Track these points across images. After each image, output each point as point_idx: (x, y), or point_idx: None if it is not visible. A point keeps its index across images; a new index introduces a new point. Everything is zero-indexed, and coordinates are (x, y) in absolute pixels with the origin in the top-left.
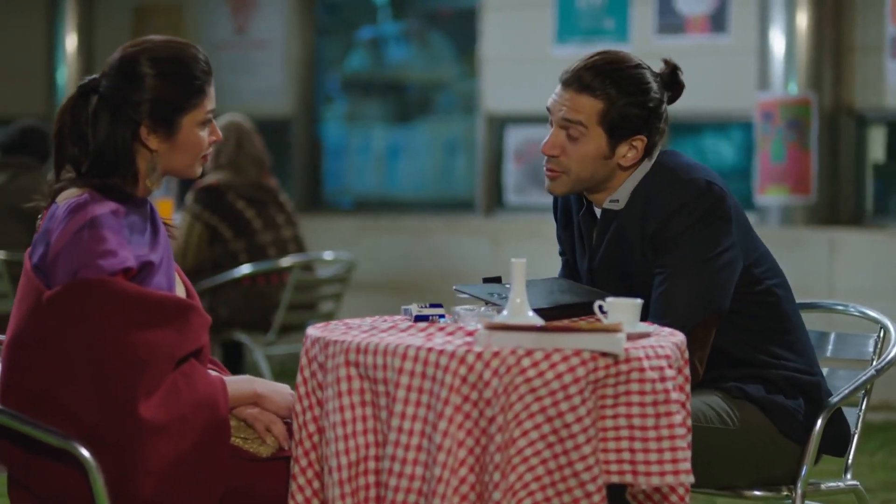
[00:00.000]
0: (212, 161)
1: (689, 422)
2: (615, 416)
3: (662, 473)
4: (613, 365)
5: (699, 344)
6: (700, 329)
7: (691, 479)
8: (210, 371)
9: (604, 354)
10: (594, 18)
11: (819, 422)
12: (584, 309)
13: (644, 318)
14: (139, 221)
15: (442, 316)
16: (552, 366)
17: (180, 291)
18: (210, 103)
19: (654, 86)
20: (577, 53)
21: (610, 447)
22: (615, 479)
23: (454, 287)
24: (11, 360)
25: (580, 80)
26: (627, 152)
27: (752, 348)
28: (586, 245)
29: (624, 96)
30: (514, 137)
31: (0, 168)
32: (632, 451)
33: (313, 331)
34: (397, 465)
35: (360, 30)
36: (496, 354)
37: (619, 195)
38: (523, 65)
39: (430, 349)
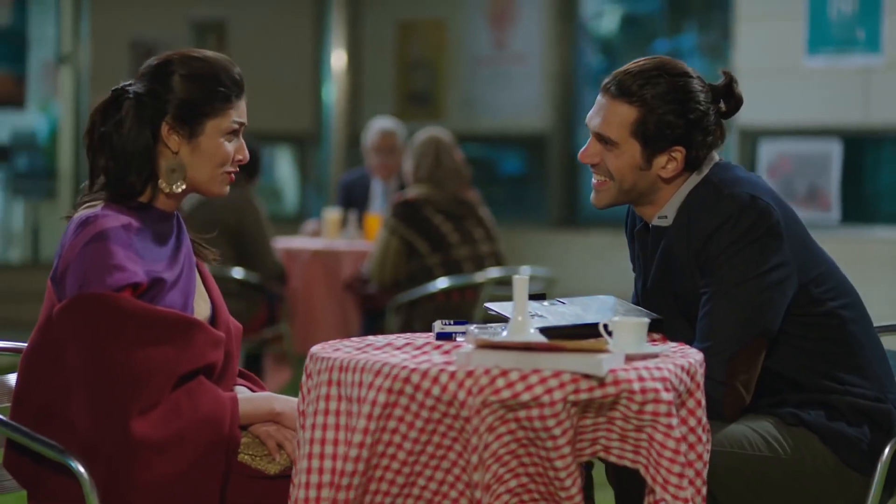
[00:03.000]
0: (411, 175)
1: (704, 447)
2: (596, 417)
3: (636, 462)
4: (599, 387)
5: (744, 367)
6: (744, 352)
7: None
8: (240, 386)
9: (587, 376)
10: (846, 29)
11: (886, 451)
12: (595, 329)
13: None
14: (158, 236)
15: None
16: (528, 387)
17: (202, 308)
18: (237, 115)
19: (701, 97)
20: (828, 65)
21: (586, 437)
22: (586, 458)
23: (485, 304)
24: (24, 371)
25: (619, 84)
26: (667, 164)
27: (814, 372)
28: (641, 263)
29: (662, 104)
30: (767, 151)
31: None
32: (608, 439)
33: (315, 348)
34: (373, 484)
35: (656, 43)
36: (470, 374)
37: (666, 211)
38: (775, 77)
39: (403, 367)
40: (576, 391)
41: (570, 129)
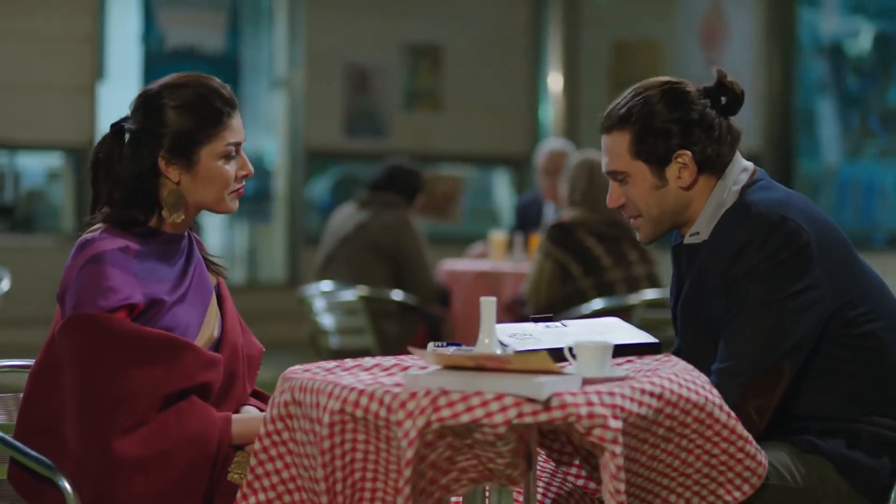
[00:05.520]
0: (566, 198)
1: (683, 475)
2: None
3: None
4: (544, 411)
5: (759, 392)
6: (762, 377)
7: None
8: (248, 406)
9: (530, 400)
10: None
11: None
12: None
13: None
14: (163, 257)
15: None
16: (468, 409)
17: (209, 329)
18: (232, 136)
19: (690, 96)
20: None
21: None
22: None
23: None
24: (28, 388)
25: (607, 118)
26: (680, 172)
27: (843, 398)
28: (675, 282)
29: (649, 116)
30: None
31: (366, 205)
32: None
33: (289, 369)
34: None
35: None
36: (413, 395)
37: (697, 227)
38: None
39: (352, 388)
40: (519, 415)
41: (784, 149)
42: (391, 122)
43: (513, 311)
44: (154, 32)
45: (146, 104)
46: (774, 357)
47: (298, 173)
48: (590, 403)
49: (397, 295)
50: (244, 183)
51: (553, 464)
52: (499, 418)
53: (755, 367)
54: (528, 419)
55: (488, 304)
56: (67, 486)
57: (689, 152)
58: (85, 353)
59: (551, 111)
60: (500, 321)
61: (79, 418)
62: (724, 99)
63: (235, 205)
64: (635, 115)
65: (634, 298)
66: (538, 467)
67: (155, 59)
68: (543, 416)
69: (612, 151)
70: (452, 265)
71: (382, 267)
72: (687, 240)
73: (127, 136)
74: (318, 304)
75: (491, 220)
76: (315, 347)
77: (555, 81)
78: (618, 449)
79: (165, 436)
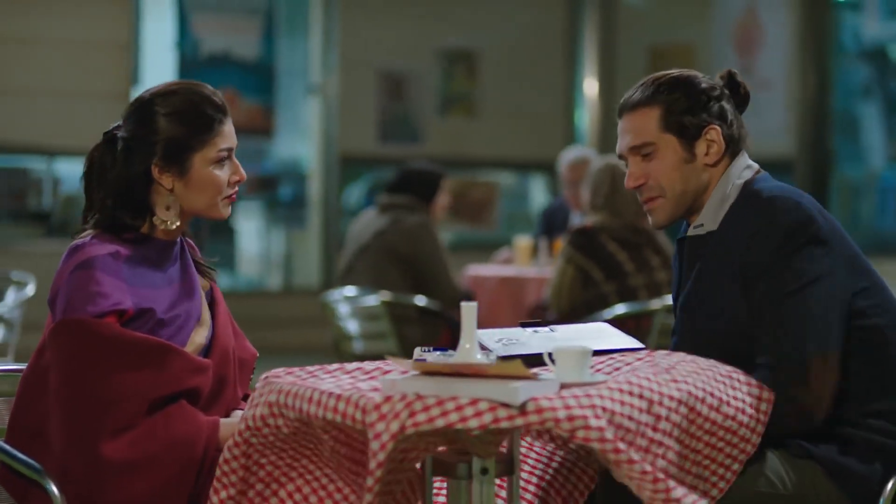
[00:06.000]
0: (588, 203)
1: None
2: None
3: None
4: (520, 416)
5: (808, 380)
6: (809, 364)
7: None
8: (238, 410)
9: (504, 405)
10: None
11: (889, 485)
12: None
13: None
14: (155, 264)
15: None
16: (444, 413)
17: (200, 334)
18: (224, 142)
19: (712, 82)
20: None
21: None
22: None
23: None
24: (19, 392)
25: (628, 100)
26: (708, 148)
27: (841, 394)
28: (677, 277)
29: (676, 93)
30: None
31: (384, 210)
32: None
33: (272, 372)
34: None
35: None
36: (388, 399)
37: (702, 218)
38: None
39: (330, 394)
40: (495, 420)
41: (819, 154)
42: (426, 128)
43: (535, 317)
44: (189, 38)
45: (138, 112)
46: (817, 343)
47: (333, 179)
48: (567, 407)
49: (420, 300)
50: (237, 188)
51: (545, 454)
52: (473, 423)
53: (803, 359)
54: (504, 424)
55: (469, 310)
56: (54, 488)
57: (718, 128)
58: (73, 357)
59: (587, 116)
60: None
61: (66, 422)
62: (734, 98)
63: (228, 211)
64: (666, 92)
65: (656, 304)
66: (533, 457)
67: (190, 65)
68: (519, 421)
69: (638, 126)
70: (477, 270)
71: (402, 273)
72: (691, 231)
73: (119, 144)
74: (342, 309)
75: (527, 225)
76: (338, 352)
77: (590, 86)
78: (608, 445)
79: (153, 439)
